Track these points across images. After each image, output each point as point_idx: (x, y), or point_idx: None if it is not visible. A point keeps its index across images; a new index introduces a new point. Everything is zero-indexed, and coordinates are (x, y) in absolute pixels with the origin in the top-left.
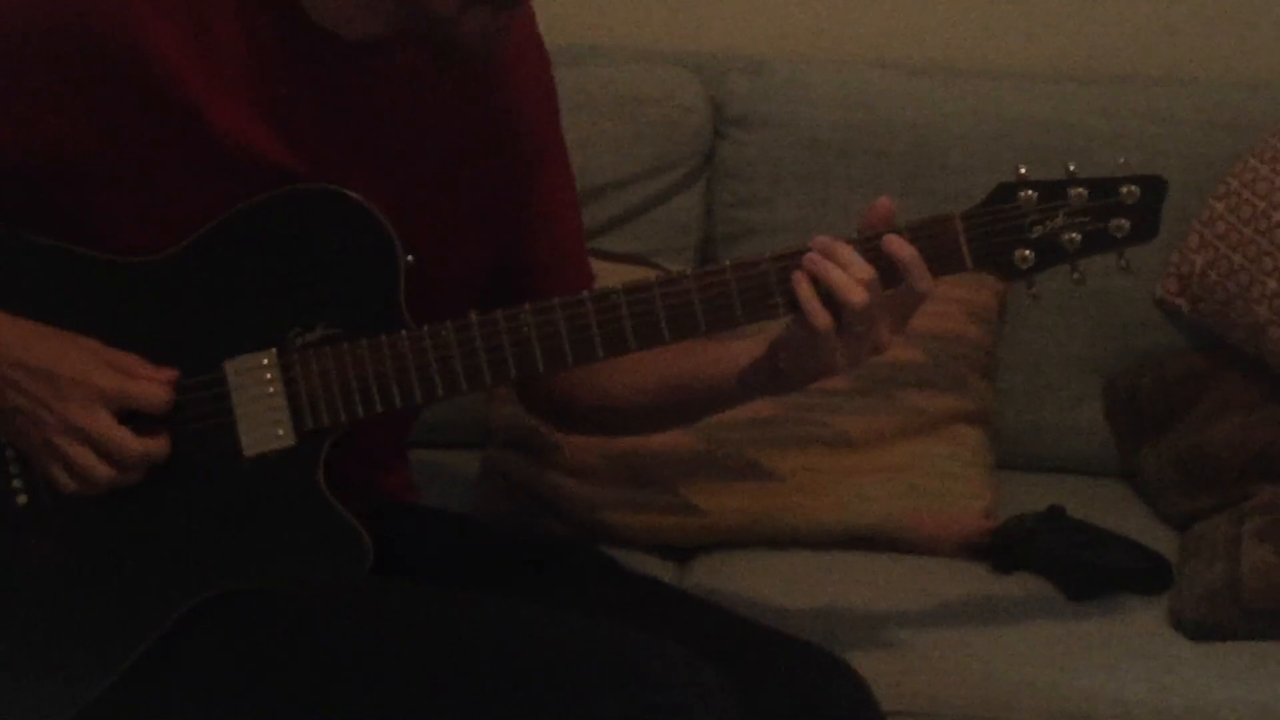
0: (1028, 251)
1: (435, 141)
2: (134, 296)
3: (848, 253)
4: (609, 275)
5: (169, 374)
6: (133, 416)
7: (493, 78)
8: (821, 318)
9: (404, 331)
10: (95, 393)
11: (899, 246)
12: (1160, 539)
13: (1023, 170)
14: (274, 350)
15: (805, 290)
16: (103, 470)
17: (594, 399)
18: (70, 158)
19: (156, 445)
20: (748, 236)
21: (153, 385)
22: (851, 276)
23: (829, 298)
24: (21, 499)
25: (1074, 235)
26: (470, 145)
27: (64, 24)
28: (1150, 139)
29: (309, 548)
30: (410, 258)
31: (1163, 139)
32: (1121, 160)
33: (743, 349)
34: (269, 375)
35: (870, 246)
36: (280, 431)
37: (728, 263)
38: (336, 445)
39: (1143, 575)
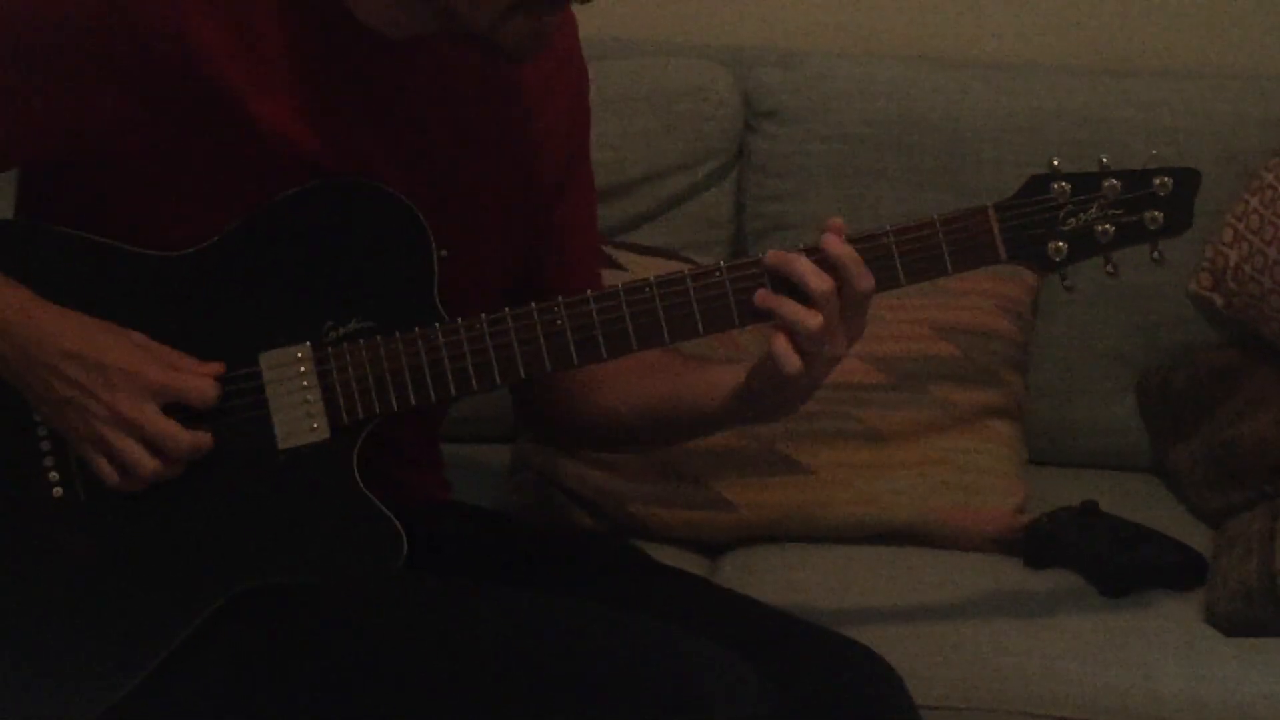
0: (1061, 243)
1: (471, 142)
2: (169, 290)
3: (799, 269)
4: (639, 269)
5: (214, 368)
6: (176, 410)
7: (533, 90)
8: (792, 362)
9: (437, 324)
10: (144, 385)
11: (835, 245)
12: (1193, 534)
13: (1055, 162)
14: (308, 344)
15: (782, 344)
16: (149, 463)
17: (584, 412)
18: (110, 149)
19: (204, 439)
20: (779, 230)
21: (200, 380)
22: (804, 302)
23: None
24: (57, 491)
25: (1107, 227)
26: (504, 150)
27: (107, 15)
28: (1185, 133)
29: (343, 541)
30: (444, 252)
31: (1197, 133)
32: (1154, 152)
33: (727, 374)
34: (303, 369)
35: (817, 257)
36: (315, 425)
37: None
38: (370, 442)
39: (1176, 571)
